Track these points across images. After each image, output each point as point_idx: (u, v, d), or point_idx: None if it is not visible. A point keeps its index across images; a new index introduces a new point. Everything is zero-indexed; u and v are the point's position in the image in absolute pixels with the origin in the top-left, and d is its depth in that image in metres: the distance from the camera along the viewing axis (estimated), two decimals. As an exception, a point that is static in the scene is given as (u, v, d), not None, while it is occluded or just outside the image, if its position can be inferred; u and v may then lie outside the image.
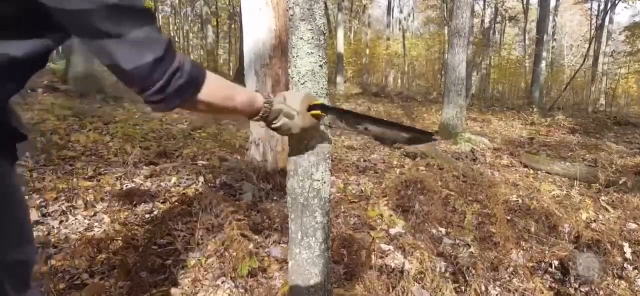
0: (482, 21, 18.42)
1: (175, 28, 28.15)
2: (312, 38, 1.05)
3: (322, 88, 1.10)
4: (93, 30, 0.66)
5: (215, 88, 0.81)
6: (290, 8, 1.06)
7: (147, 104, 0.75)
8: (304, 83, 1.08)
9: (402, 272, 2.01)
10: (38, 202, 2.38)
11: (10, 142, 0.78)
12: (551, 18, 15.59)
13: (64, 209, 2.37)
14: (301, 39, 1.05)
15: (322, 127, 1.11)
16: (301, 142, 1.10)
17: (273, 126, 0.99)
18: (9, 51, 0.68)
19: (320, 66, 1.08)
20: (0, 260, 0.79)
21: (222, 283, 1.82)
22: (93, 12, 0.64)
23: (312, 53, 1.06)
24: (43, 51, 0.73)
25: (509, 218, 2.88)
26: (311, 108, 1.02)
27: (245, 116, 0.94)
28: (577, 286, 2.11)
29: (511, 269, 2.22)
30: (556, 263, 2.27)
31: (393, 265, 2.10)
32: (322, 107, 1.04)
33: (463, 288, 1.99)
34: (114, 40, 0.67)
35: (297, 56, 1.07)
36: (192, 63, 0.76)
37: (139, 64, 0.68)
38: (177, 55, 0.73)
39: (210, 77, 0.80)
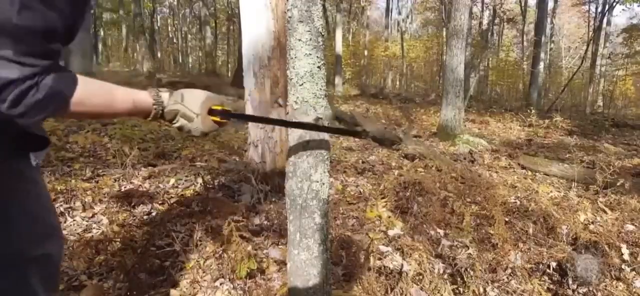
0: (480, 22, 18.44)
1: (174, 29, 28.14)
2: (310, 39, 1.06)
3: (320, 89, 1.10)
4: None
5: (88, 97, 0.78)
6: (288, 10, 1.07)
7: (9, 116, 0.71)
8: (302, 84, 1.08)
9: (400, 273, 2.01)
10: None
11: (28, 146, 0.82)
12: (549, 20, 15.65)
13: (62, 210, 2.36)
14: (299, 40, 1.06)
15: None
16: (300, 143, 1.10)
17: (174, 125, 0.95)
18: None
19: (319, 67, 1.09)
20: (24, 254, 0.81)
21: (221, 284, 1.82)
22: None
23: (310, 54, 1.07)
24: None
25: (507, 219, 2.88)
26: (212, 111, 0.96)
27: (138, 117, 0.91)
28: (574, 287, 2.12)
29: (509, 270, 2.23)
30: (554, 264, 2.27)
31: (391, 266, 2.10)
32: (224, 113, 0.97)
33: (461, 289, 2.00)
34: None
35: (295, 57, 1.07)
36: (58, 76, 0.72)
37: None
38: (37, 75, 0.69)
39: (83, 86, 0.76)
